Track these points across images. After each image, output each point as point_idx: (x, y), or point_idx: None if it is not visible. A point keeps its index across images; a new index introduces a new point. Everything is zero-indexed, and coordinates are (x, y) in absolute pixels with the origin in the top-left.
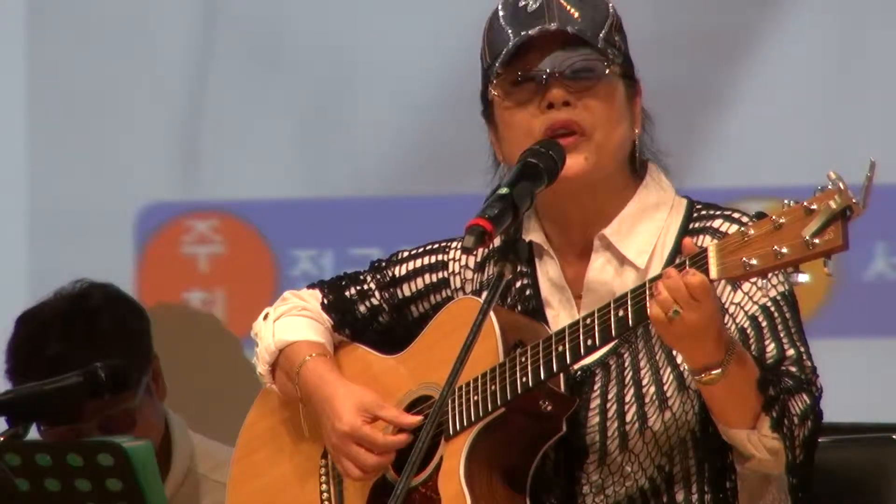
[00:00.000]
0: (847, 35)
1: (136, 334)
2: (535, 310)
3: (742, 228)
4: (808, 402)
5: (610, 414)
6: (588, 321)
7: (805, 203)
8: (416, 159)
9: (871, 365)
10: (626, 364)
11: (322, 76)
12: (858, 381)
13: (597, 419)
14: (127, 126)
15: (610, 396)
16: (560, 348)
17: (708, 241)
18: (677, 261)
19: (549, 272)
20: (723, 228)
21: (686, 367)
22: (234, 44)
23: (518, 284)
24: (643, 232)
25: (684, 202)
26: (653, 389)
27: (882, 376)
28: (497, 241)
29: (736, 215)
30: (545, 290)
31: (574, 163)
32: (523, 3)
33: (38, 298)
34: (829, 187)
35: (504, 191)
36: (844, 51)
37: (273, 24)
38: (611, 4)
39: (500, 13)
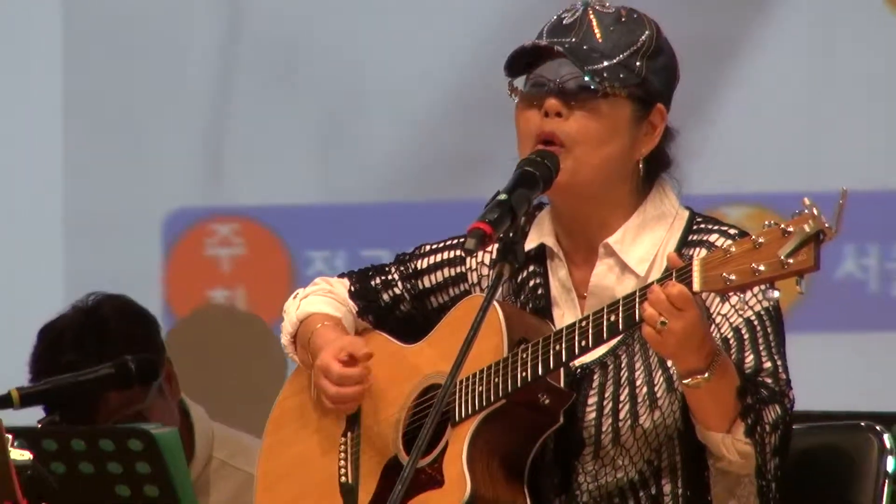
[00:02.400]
0: (823, 50)
1: (144, 341)
2: (544, 308)
3: (724, 246)
4: (780, 412)
5: (606, 411)
6: (583, 324)
7: (783, 225)
8: (420, 168)
9: (841, 357)
10: (623, 365)
11: (335, 92)
12: (829, 373)
13: (593, 415)
14: (156, 137)
15: (606, 394)
16: (557, 347)
17: (703, 254)
18: (665, 275)
19: (559, 274)
20: (718, 243)
21: (675, 371)
22: (255, 62)
23: (531, 283)
24: (645, 242)
25: (686, 215)
26: (645, 390)
27: (851, 368)
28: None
29: (732, 231)
30: (555, 290)
31: None
32: (563, 15)
33: (71, 296)
34: (805, 212)
35: (503, 197)
36: (821, 66)
37: (291, 45)
38: (648, 32)
39: (551, 20)
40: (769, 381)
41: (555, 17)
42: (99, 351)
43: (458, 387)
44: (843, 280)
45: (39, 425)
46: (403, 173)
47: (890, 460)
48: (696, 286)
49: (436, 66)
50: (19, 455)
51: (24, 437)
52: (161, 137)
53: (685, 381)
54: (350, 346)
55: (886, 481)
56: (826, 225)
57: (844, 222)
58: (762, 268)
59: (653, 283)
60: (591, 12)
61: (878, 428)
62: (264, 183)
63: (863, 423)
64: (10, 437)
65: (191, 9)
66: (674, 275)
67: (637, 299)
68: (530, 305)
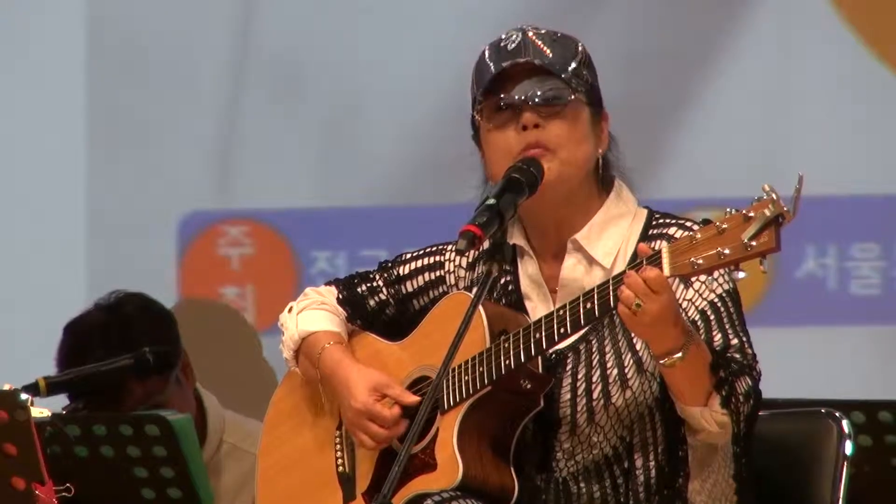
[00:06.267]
0: (788, 60)
1: (163, 335)
2: (516, 302)
3: (690, 233)
4: (751, 383)
5: (579, 391)
6: (561, 312)
7: (744, 211)
8: (416, 174)
9: (804, 350)
10: (594, 349)
11: (336, 104)
12: (793, 364)
13: (568, 395)
14: (172, 146)
15: (580, 376)
16: (537, 335)
17: (663, 245)
18: (636, 262)
19: (528, 270)
20: (677, 235)
21: (651, 354)
22: (262, 77)
23: (502, 281)
24: (609, 237)
25: (645, 212)
26: (615, 371)
27: (812, 359)
28: (485, 245)
29: (689, 224)
30: (525, 285)
31: None
32: (504, 42)
33: (94, 291)
34: (764, 198)
35: (491, 201)
36: (780, 78)
37: (295, 60)
38: (581, 45)
39: (486, 52)
40: (737, 356)
41: (493, 48)
42: (123, 346)
43: (445, 378)
44: (805, 278)
45: (64, 412)
46: (399, 179)
47: (848, 444)
48: (666, 272)
49: (430, 79)
50: (38, 413)
51: (51, 423)
52: (176, 146)
53: (661, 362)
54: (383, 388)
55: (845, 463)
56: (785, 209)
57: (805, 224)
58: (727, 251)
59: (626, 269)
60: (530, 34)
61: (837, 414)
62: (271, 188)
63: (823, 410)
64: (29, 397)
65: (204, 28)
66: (644, 262)
67: (611, 287)
68: (503, 301)
